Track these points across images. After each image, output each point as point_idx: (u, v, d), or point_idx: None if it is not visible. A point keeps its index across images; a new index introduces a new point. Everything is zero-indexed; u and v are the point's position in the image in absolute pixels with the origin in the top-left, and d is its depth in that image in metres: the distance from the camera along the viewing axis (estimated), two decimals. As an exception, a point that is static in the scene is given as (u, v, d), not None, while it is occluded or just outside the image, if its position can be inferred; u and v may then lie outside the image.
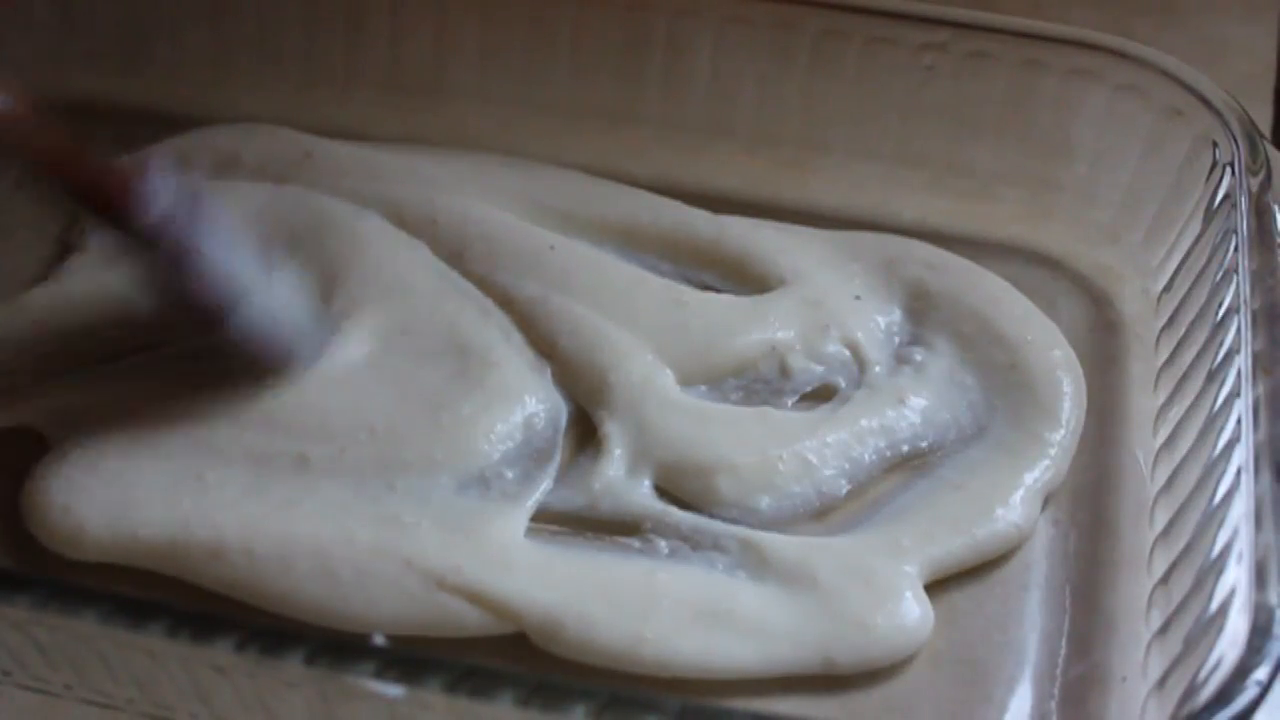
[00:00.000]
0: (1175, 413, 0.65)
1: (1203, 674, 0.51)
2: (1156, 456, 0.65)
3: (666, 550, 0.61)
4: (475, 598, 0.58)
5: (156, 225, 0.60)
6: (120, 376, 0.67)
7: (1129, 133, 0.73)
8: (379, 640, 0.58)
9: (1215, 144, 0.70)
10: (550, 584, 0.59)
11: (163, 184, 0.60)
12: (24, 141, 0.59)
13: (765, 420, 0.66)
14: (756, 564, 0.61)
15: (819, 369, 0.69)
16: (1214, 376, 0.62)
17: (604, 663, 0.58)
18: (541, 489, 0.63)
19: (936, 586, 0.61)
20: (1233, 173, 0.68)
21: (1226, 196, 0.67)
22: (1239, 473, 0.56)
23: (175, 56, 0.83)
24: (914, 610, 0.60)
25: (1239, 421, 0.58)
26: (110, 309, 0.69)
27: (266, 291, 0.64)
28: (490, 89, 0.80)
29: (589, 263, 0.72)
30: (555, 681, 0.50)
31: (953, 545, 0.62)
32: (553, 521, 0.63)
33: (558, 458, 0.65)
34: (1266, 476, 0.55)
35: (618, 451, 0.64)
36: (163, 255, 0.60)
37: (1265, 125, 0.84)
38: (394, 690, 0.48)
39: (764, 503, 0.63)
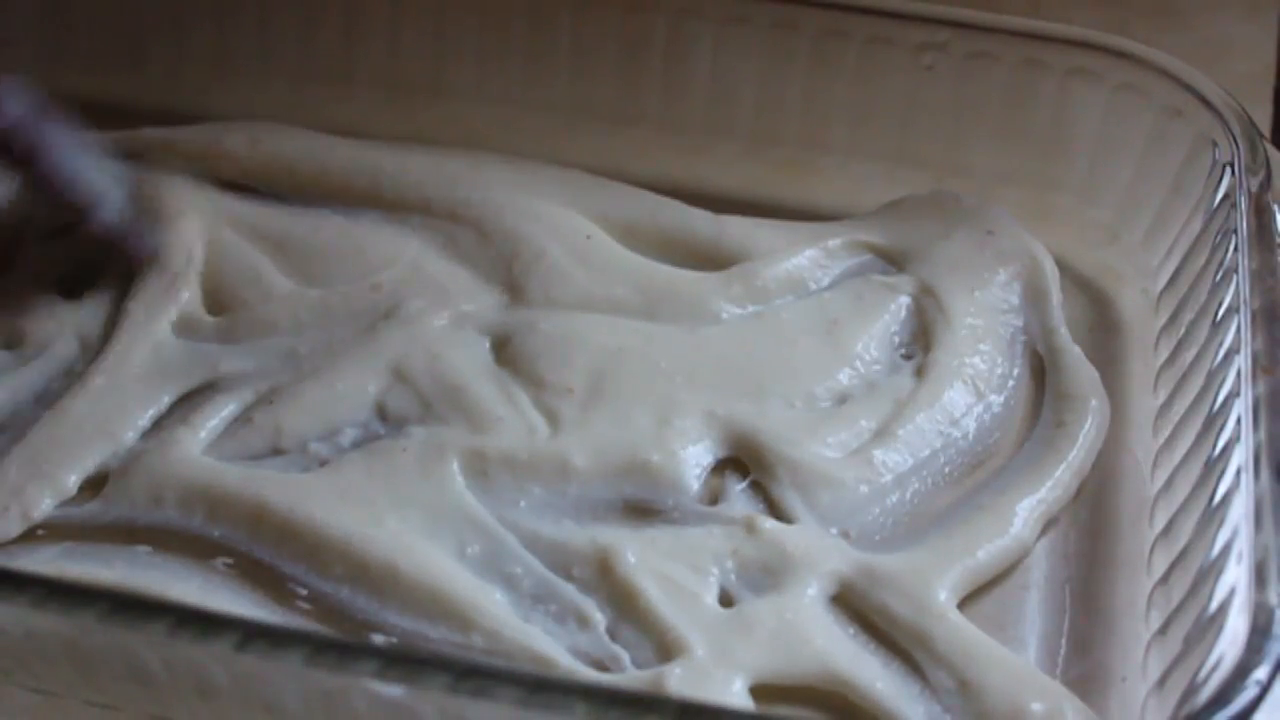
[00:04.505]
0: (1175, 413, 0.65)
1: (1202, 674, 0.51)
2: (1156, 456, 0.65)
3: None
4: None
5: (8, 132, 0.66)
6: None
7: (1129, 133, 0.74)
8: (379, 640, 0.58)
9: (1215, 144, 0.70)
10: None
11: (9, 96, 0.67)
12: None
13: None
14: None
15: None
16: (1214, 376, 0.62)
17: None
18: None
19: (936, 586, 0.61)
20: (1233, 173, 0.68)
21: (1226, 196, 0.67)
22: (1239, 473, 0.56)
23: (175, 55, 0.83)
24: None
25: (1239, 421, 0.58)
26: None
27: (113, 191, 0.71)
28: (490, 89, 0.80)
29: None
30: (555, 681, 0.51)
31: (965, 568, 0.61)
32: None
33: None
34: (1266, 476, 0.55)
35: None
36: (18, 158, 0.67)
37: (1265, 125, 0.84)
38: (394, 690, 0.48)
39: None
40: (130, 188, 0.72)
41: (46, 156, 0.68)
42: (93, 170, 0.70)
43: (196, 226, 0.74)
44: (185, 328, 0.70)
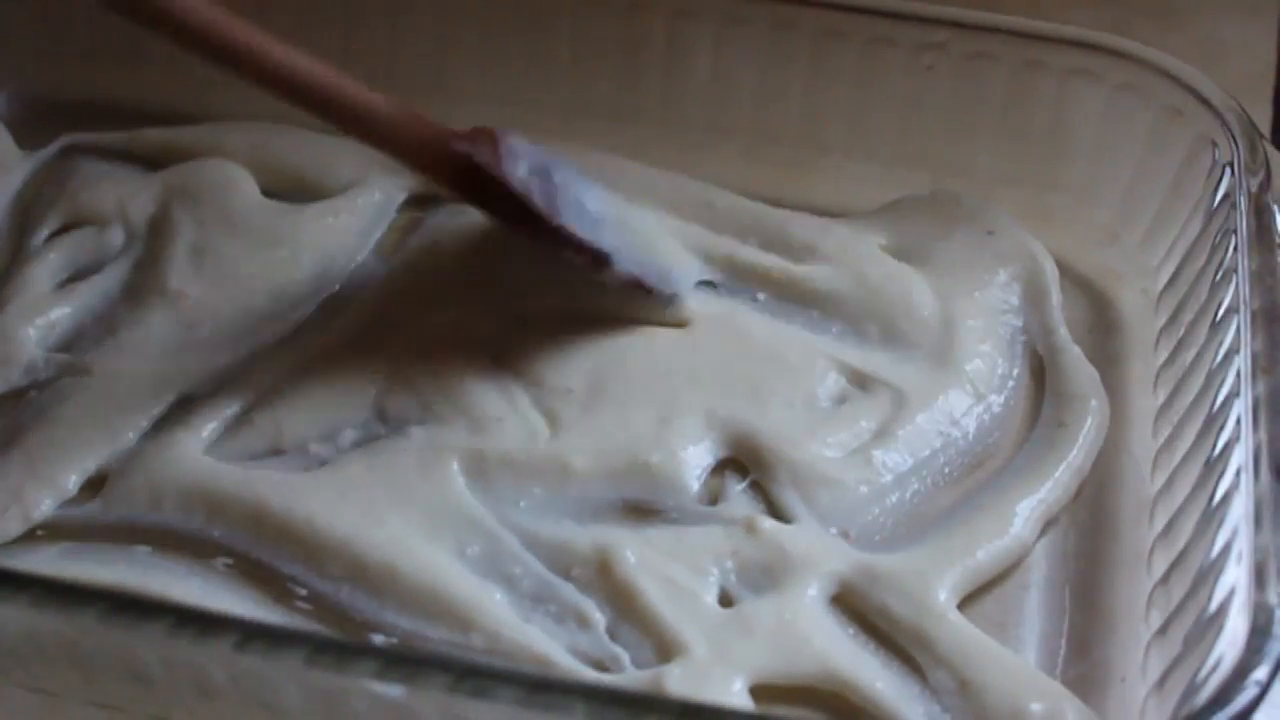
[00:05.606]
0: (1175, 413, 0.65)
1: (1202, 674, 0.51)
2: (1156, 456, 0.65)
3: None
4: None
5: (520, 189, 0.65)
6: None
7: (1128, 133, 0.74)
8: (379, 640, 0.58)
9: (1215, 144, 0.70)
10: None
11: (512, 154, 0.66)
12: (390, 141, 0.66)
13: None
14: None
15: None
16: (1213, 376, 0.62)
17: None
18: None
19: (936, 586, 0.61)
20: (1232, 173, 0.68)
21: (1226, 196, 0.67)
22: (1238, 473, 0.57)
23: (175, 55, 0.82)
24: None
25: (1238, 421, 0.58)
26: None
27: (628, 236, 0.69)
28: (490, 89, 0.80)
29: None
30: (555, 681, 0.51)
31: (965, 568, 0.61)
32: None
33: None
34: (1266, 476, 0.55)
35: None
36: (527, 218, 0.66)
37: (1265, 125, 0.84)
38: (394, 690, 0.48)
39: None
40: (631, 224, 0.70)
41: (557, 215, 0.66)
42: (599, 215, 0.68)
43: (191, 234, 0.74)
44: (186, 326, 0.70)
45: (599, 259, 0.67)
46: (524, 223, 0.66)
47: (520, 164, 0.66)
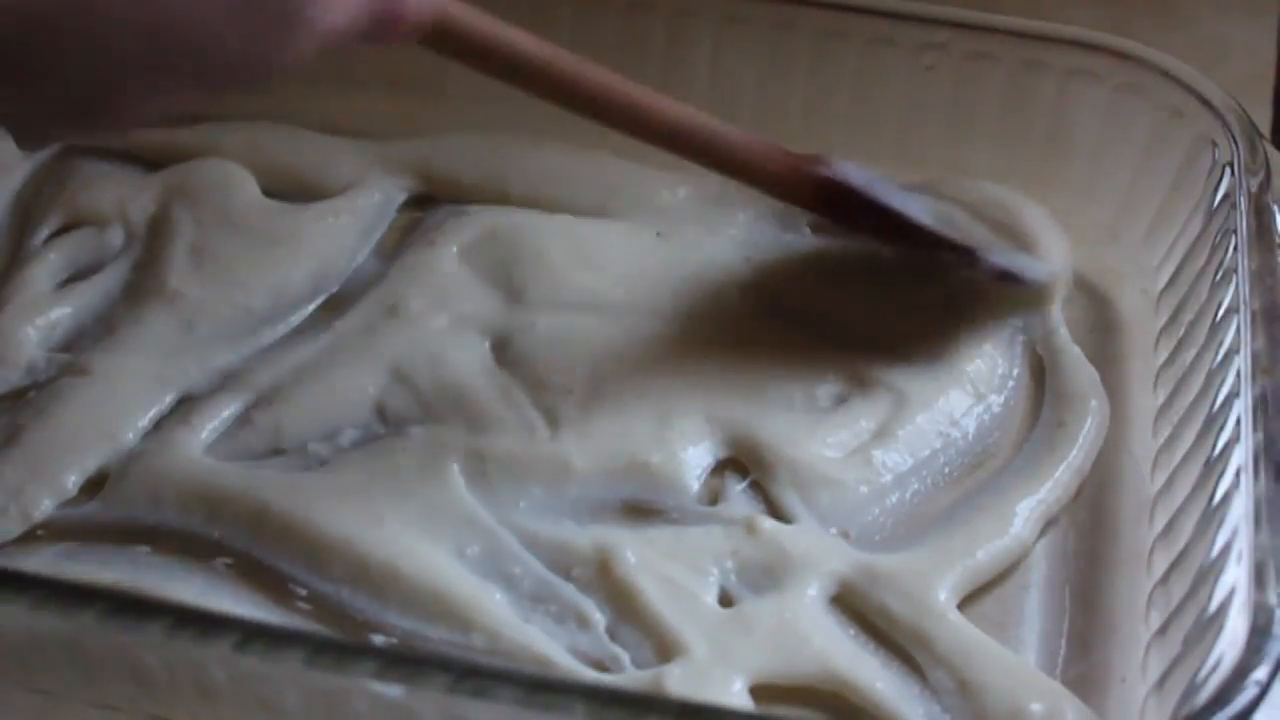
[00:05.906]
0: (1175, 413, 0.65)
1: (1202, 674, 0.51)
2: (1156, 456, 0.65)
3: None
4: None
5: (882, 199, 0.68)
6: None
7: (1129, 133, 0.73)
8: (379, 640, 0.58)
9: (1215, 144, 0.70)
10: None
11: (850, 169, 0.68)
12: (749, 172, 0.68)
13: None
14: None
15: None
16: (1213, 376, 0.62)
17: None
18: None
19: (936, 586, 0.61)
20: (1232, 173, 0.68)
21: (1226, 196, 0.67)
22: (1238, 473, 0.56)
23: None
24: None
25: (1238, 421, 0.58)
26: None
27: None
28: (490, 89, 0.80)
29: None
30: (555, 681, 0.51)
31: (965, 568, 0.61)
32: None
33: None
34: (1266, 477, 0.55)
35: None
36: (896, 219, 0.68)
37: (1265, 125, 0.84)
38: (394, 690, 0.48)
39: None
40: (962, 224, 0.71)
41: (901, 211, 0.68)
42: (939, 218, 0.70)
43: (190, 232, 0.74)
44: (186, 326, 0.70)
45: (969, 254, 0.69)
46: (887, 230, 0.69)
47: (860, 178, 0.68)
